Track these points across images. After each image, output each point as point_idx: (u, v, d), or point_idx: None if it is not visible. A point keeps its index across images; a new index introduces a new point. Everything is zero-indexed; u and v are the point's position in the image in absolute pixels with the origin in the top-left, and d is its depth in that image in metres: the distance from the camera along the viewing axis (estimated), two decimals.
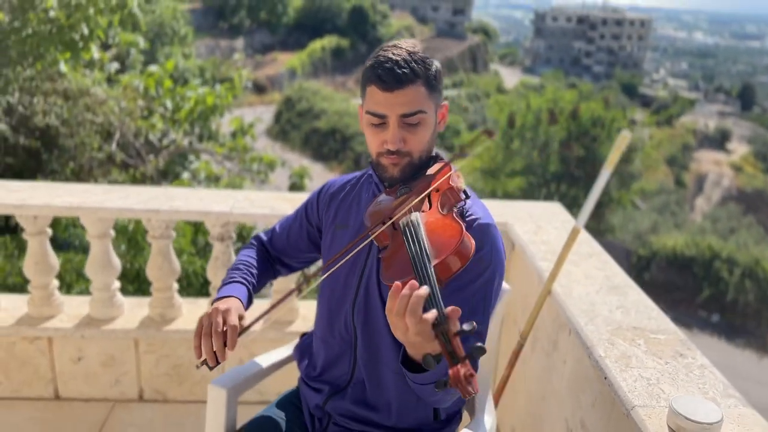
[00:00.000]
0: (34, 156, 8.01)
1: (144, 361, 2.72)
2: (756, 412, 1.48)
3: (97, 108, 8.65)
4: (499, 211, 2.63)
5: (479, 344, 0.98)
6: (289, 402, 1.71)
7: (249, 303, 1.59)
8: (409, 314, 1.06)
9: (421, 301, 1.06)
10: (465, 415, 1.70)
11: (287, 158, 14.99)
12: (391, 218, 1.34)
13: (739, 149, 54.19)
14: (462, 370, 0.98)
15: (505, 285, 1.68)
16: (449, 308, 1.04)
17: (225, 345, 1.38)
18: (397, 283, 1.10)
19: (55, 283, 2.71)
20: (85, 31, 7.50)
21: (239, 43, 49.32)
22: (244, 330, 1.41)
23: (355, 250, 1.39)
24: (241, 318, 1.45)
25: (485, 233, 1.41)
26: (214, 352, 1.38)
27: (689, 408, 1.38)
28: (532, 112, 22.64)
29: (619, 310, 1.88)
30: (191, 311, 2.80)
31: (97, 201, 2.53)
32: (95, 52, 8.48)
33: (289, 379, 1.96)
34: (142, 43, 11.71)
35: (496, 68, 71.38)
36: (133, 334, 2.66)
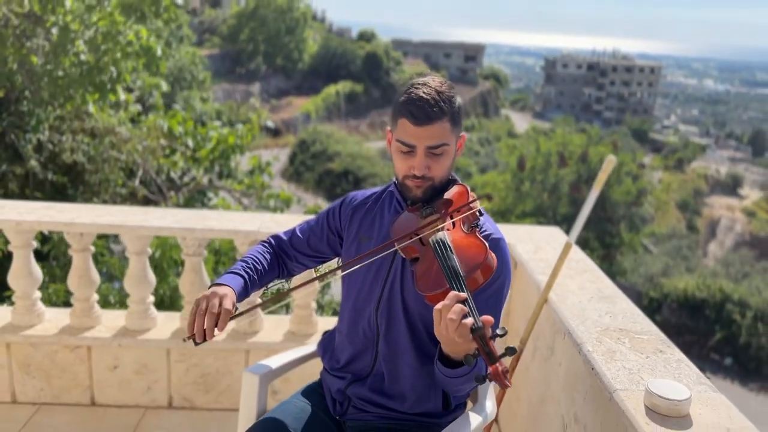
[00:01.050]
0: (60, 191, 8.36)
1: (174, 370, 2.94)
2: (724, 397, 1.68)
3: (122, 146, 9.03)
4: (503, 233, 2.86)
5: (512, 346, 1.23)
6: (312, 390, 1.93)
7: (244, 295, 1.73)
8: (450, 321, 1.30)
9: (461, 313, 1.29)
10: (469, 404, 1.91)
11: (301, 197, 15.34)
12: (418, 234, 1.57)
13: (751, 195, 54.18)
14: (500, 367, 1.22)
15: None
16: (484, 317, 1.28)
17: (216, 326, 1.55)
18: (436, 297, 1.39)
19: (95, 296, 2.96)
20: (114, 73, 7.94)
21: (255, 87, 50.53)
22: (235, 316, 1.59)
23: (379, 255, 1.62)
24: (233, 306, 1.61)
25: (497, 247, 1.65)
26: (204, 331, 1.55)
27: (662, 388, 1.59)
28: (542, 155, 23.02)
29: (607, 315, 2.10)
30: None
31: (137, 220, 2.79)
32: (121, 94, 8.92)
33: (311, 379, 2.17)
34: (164, 86, 12.23)
35: (507, 113, 72.37)
36: (166, 344, 2.89)
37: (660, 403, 1.56)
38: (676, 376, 1.74)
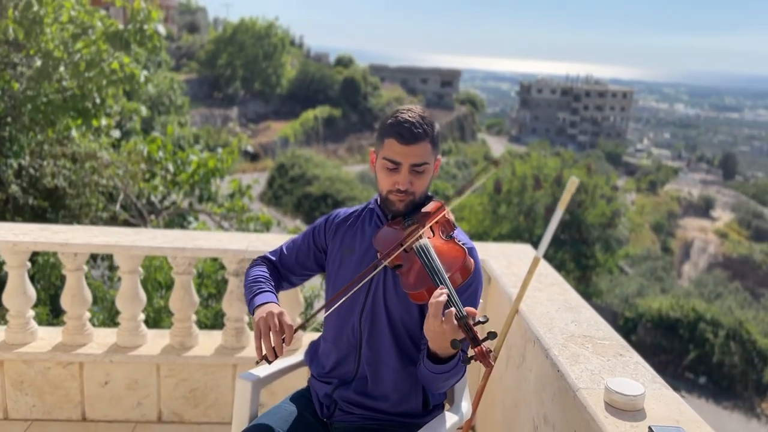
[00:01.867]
0: (40, 216, 8.40)
1: (164, 385, 3.05)
2: (676, 394, 1.85)
3: (103, 170, 9.10)
4: (478, 251, 3.04)
5: (493, 330, 1.42)
6: (300, 395, 2.07)
7: None
8: (435, 313, 1.51)
9: (442, 304, 1.51)
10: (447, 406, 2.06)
11: (281, 220, 15.43)
12: (402, 244, 1.74)
13: (723, 216, 55.30)
14: (484, 348, 1.44)
15: None
16: (467, 308, 1.49)
17: (283, 342, 1.71)
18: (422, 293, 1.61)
19: (88, 314, 3.06)
20: (97, 99, 8.05)
21: (234, 112, 50.65)
22: (297, 329, 1.76)
23: (373, 273, 1.79)
24: (291, 320, 1.78)
25: (471, 255, 1.83)
26: (273, 348, 1.70)
27: (620, 386, 1.76)
28: (517, 178, 23.46)
29: (573, 323, 2.28)
30: (206, 341, 3.15)
31: (129, 240, 2.92)
32: (102, 119, 9.01)
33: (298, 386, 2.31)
34: (144, 111, 12.35)
35: (484, 137, 73.35)
36: (156, 359, 3.00)
37: (617, 398, 1.73)
38: (633, 375, 1.92)
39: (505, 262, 2.90)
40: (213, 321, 5.45)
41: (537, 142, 60.22)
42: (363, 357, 1.91)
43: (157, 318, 5.49)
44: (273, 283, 1.99)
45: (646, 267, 31.76)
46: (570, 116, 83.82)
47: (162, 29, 8.53)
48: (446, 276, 1.59)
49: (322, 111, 53.09)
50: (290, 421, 1.94)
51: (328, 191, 29.39)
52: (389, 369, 1.89)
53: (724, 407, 17.57)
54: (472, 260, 1.71)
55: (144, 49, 8.56)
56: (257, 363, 1.75)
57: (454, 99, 72.92)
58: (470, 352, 1.47)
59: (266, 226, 9.89)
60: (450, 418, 1.88)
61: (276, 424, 1.92)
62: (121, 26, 7.84)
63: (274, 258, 2.11)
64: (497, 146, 65.86)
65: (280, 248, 2.12)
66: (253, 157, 42.99)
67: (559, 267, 22.64)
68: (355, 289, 1.79)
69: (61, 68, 7.61)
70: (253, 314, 1.83)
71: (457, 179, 43.76)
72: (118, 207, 9.06)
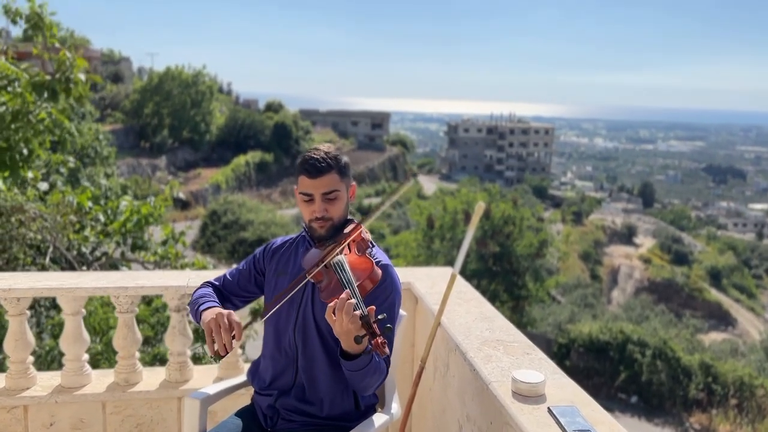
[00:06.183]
0: None
1: (110, 422, 3.14)
2: (574, 383, 2.16)
3: (31, 224, 8.95)
4: (405, 274, 3.32)
5: (388, 325, 1.71)
6: (246, 410, 2.27)
7: None
8: (345, 313, 1.75)
9: (352, 305, 1.76)
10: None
11: (216, 265, 15.31)
12: (323, 261, 2.01)
13: (645, 243, 57.90)
14: (380, 340, 1.70)
15: (402, 312, 2.35)
16: (369, 308, 1.75)
17: (233, 338, 1.92)
18: (335, 300, 1.81)
19: (31, 358, 3.14)
20: (25, 151, 8.00)
21: (162, 161, 49.86)
22: (245, 326, 1.97)
23: (299, 286, 2.04)
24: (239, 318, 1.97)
25: (386, 271, 2.11)
26: (225, 345, 1.90)
27: (523, 376, 2.05)
28: (449, 213, 24.19)
29: (487, 330, 2.57)
30: (150, 377, 3.27)
31: (73, 283, 3.05)
32: (29, 172, 8.92)
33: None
34: (72, 162, 12.20)
35: (416, 176, 74.72)
36: (102, 397, 3.09)
37: (522, 386, 2.01)
38: (537, 369, 2.21)
39: (430, 283, 3.19)
40: (150, 363, 5.48)
41: (467, 179, 61.88)
42: (300, 366, 2.14)
43: (92, 363, 5.48)
44: (216, 300, 2.20)
45: (577, 295, 32.94)
46: (496, 153, 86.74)
47: (83, 77, 8.57)
48: (355, 284, 1.86)
49: (253, 156, 52.99)
50: None
51: (263, 235, 29.25)
52: (322, 374, 2.12)
53: (655, 424, 18.29)
54: (379, 270, 1.98)
55: (72, 98, 8.58)
56: (211, 358, 1.95)
57: (385, 140, 74.31)
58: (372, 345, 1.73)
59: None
60: (379, 419, 2.12)
61: None
62: (47, 76, 7.85)
63: (217, 283, 2.34)
64: (429, 185, 67.22)
65: (224, 275, 2.36)
66: (184, 206, 42.34)
67: (493, 298, 23.24)
68: (284, 300, 2.04)
69: None
70: (200, 322, 2.03)
71: (392, 218, 44.36)
72: (47, 260, 8.91)
